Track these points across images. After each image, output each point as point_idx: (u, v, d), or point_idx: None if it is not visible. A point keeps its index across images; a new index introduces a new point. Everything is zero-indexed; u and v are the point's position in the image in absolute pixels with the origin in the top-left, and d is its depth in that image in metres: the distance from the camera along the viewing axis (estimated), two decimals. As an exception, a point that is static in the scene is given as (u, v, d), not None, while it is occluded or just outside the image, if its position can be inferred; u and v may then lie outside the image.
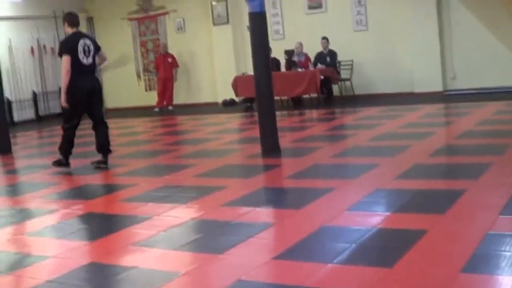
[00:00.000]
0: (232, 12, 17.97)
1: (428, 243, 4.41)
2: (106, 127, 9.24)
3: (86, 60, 8.91)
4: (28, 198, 7.45)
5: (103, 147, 9.12)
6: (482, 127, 9.66)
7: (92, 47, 9.03)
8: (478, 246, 4.23)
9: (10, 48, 18.82)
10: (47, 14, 19.29)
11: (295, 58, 15.83)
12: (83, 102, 8.87)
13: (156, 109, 18.52)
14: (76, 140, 9.18)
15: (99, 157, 9.09)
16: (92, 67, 9.11)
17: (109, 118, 17.88)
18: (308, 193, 6.20)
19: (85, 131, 10.24)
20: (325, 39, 15.77)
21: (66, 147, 9.06)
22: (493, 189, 5.76)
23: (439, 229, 4.68)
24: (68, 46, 8.87)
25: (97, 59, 9.21)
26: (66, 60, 8.77)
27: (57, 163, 9.09)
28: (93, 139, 9.24)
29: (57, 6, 19.51)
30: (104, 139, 9.14)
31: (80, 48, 8.85)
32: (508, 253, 4.07)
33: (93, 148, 9.32)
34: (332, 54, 15.73)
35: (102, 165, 9.00)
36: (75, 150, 9.26)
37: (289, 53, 15.95)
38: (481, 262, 3.99)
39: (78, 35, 9.05)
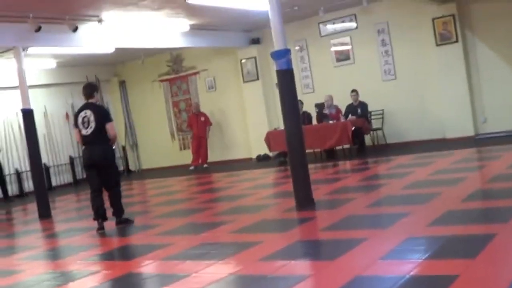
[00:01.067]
0: (261, 68, 18.32)
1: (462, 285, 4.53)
2: (116, 193, 9.66)
3: (85, 131, 9.37)
4: (69, 261, 7.65)
5: (116, 213, 9.71)
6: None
7: (92, 118, 9.34)
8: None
9: (45, 115, 19.33)
10: (80, 79, 19.78)
11: (326, 111, 16.02)
12: (88, 171, 9.52)
13: (191, 168, 18.77)
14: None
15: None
16: (93, 138, 9.36)
17: (145, 178, 18.30)
18: (342, 244, 6.31)
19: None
20: (354, 91, 15.96)
21: (93, 210, 9.55)
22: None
23: (470, 274, 4.78)
24: (74, 119, 9.69)
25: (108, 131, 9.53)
26: (75, 132, 9.72)
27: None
28: (132, 200, 9.48)
29: (90, 71, 20.08)
30: (114, 203, 9.68)
31: (80, 120, 9.44)
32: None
33: (131, 209, 9.55)
34: (363, 105, 15.89)
35: (119, 225, 9.63)
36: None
37: (319, 106, 16.14)
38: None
39: (82, 107, 9.60)
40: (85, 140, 9.40)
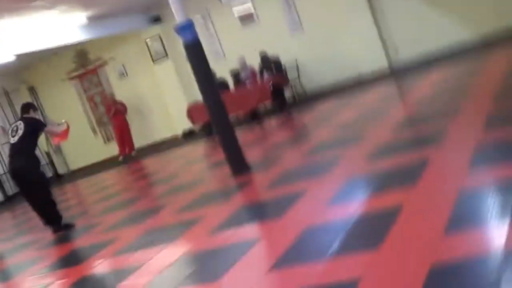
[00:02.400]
0: (168, 45, 18.14)
1: (408, 215, 4.63)
2: (45, 203, 9.49)
3: (12, 140, 9.36)
4: (20, 280, 7.51)
5: (49, 220, 9.59)
6: (433, 91, 9.91)
7: (21, 127, 9.33)
8: (455, 204, 4.46)
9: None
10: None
11: (242, 74, 15.97)
12: (14, 180, 9.51)
13: (120, 158, 18.57)
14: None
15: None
16: (17, 147, 9.30)
17: (76, 179, 18.04)
18: (286, 199, 6.35)
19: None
20: (263, 59, 15.93)
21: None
22: (457, 148, 6.00)
23: (413, 202, 4.89)
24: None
25: (49, 136, 9.67)
26: None
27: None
28: (68, 204, 9.35)
29: (-4, 82, 19.61)
30: (46, 214, 9.56)
31: (9, 131, 9.51)
32: (485, 204, 4.29)
33: (70, 213, 9.41)
34: (276, 60, 15.89)
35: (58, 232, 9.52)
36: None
37: (234, 73, 16.11)
38: (462, 219, 4.21)
39: (16, 121, 9.82)
40: (11, 150, 9.38)
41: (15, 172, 9.33)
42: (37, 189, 9.37)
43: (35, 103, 20.52)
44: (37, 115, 9.86)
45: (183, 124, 17.53)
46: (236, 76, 16.07)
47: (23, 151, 9.26)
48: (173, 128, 18.75)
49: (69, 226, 9.52)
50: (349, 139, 8.44)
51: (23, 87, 21.09)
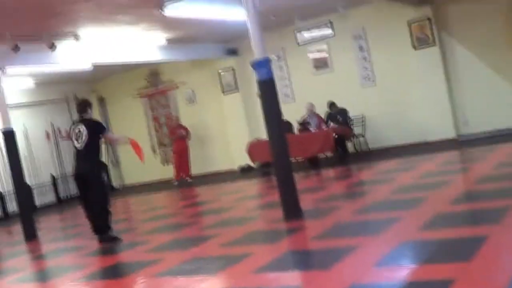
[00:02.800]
0: (240, 78, 18.33)
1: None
2: (101, 210, 9.60)
3: (77, 145, 9.56)
4: (59, 283, 7.57)
5: (98, 228, 9.71)
6: (499, 171, 9.74)
7: (85, 132, 9.51)
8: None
9: (26, 134, 19.15)
10: (59, 97, 19.67)
11: (307, 120, 15.99)
12: (76, 184, 9.75)
13: (175, 182, 18.68)
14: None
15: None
16: (83, 152, 9.52)
17: (128, 194, 18.19)
18: (334, 252, 6.28)
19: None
20: (332, 104, 15.99)
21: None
22: (517, 232, 5.87)
23: (467, 277, 4.76)
24: (70, 131, 9.92)
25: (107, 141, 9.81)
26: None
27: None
28: (117, 217, 9.42)
29: (68, 89, 20.02)
30: (98, 221, 9.68)
31: (72, 134, 9.69)
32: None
33: (117, 226, 9.48)
34: (343, 111, 15.90)
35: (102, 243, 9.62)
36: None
37: (302, 123, 16.12)
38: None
39: (76, 122, 9.90)
40: (77, 154, 9.61)
41: (79, 176, 9.59)
42: (95, 195, 9.53)
43: (101, 112, 20.98)
44: (92, 113, 10.00)
45: (242, 158, 17.56)
46: (302, 121, 16.08)
47: (88, 156, 9.49)
48: (231, 161, 18.81)
49: (116, 239, 9.58)
50: (405, 203, 8.32)
51: (94, 96, 21.45)
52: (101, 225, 9.63)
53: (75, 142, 9.54)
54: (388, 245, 6.17)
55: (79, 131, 9.52)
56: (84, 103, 9.97)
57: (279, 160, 8.95)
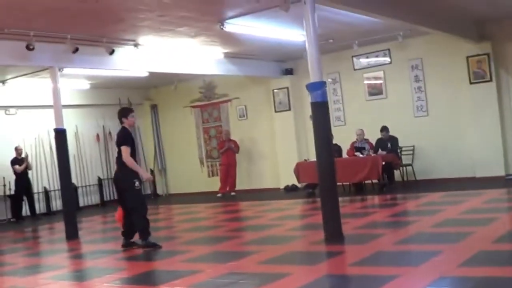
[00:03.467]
0: (293, 98, 18.36)
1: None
2: (135, 216, 9.73)
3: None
4: (95, 284, 7.61)
5: (128, 234, 9.96)
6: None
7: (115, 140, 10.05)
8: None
9: (76, 135, 19.46)
10: (112, 102, 19.90)
11: (357, 145, 15.92)
12: (115, 188, 10.41)
13: (219, 195, 18.73)
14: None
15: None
16: (117, 159, 9.86)
17: (172, 203, 18.30)
18: (373, 280, 6.21)
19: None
20: (384, 130, 15.90)
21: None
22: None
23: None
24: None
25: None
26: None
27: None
28: (158, 225, 9.47)
29: (122, 94, 20.26)
30: (128, 226, 9.93)
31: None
32: None
33: (158, 234, 9.53)
34: (393, 139, 15.81)
35: (125, 247, 9.87)
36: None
37: (351, 143, 16.11)
38: None
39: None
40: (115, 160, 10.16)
41: (114, 182, 10.23)
42: (128, 201, 9.76)
43: (153, 119, 21.16)
44: (128, 121, 9.97)
45: (288, 178, 17.54)
46: (352, 145, 16.02)
47: (120, 163, 9.76)
48: (277, 180, 18.81)
49: (155, 246, 9.62)
50: (447, 237, 8.20)
51: (147, 103, 21.72)
52: (129, 229, 9.88)
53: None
54: (428, 277, 6.08)
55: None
56: (120, 113, 10.05)
57: (325, 182, 8.94)
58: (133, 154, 9.71)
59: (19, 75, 15.67)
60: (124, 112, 10.00)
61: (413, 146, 16.15)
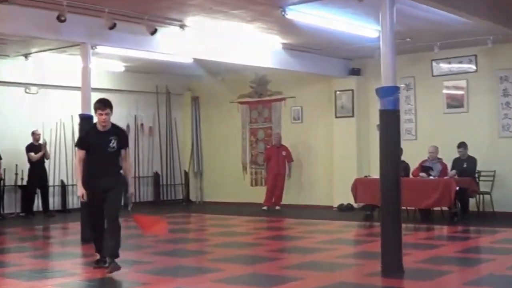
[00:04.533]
0: (358, 103, 18.32)
1: None
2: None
3: None
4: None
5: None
6: None
7: None
8: None
9: (104, 124, 19.58)
10: (149, 89, 20.09)
11: (429, 165, 15.70)
12: None
13: (264, 208, 18.72)
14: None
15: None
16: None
17: (206, 212, 18.37)
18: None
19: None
20: (461, 146, 15.63)
21: None
22: None
23: None
24: None
25: None
26: None
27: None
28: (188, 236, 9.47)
29: (161, 81, 20.47)
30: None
31: None
32: None
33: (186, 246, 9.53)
34: (471, 160, 15.60)
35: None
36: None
37: (422, 162, 15.91)
38: None
39: None
40: None
41: None
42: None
43: (193, 113, 21.29)
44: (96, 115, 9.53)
45: (343, 195, 17.49)
46: (421, 164, 15.82)
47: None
48: (331, 197, 18.74)
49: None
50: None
51: (188, 94, 21.82)
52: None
53: None
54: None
55: None
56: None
57: (388, 204, 8.87)
58: (98, 157, 9.30)
59: (45, 49, 15.81)
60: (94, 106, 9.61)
61: (494, 172, 15.94)
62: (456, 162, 15.73)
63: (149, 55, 15.52)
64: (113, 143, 9.26)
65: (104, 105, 9.26)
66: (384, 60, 8.97)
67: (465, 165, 15.51)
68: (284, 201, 19.02)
